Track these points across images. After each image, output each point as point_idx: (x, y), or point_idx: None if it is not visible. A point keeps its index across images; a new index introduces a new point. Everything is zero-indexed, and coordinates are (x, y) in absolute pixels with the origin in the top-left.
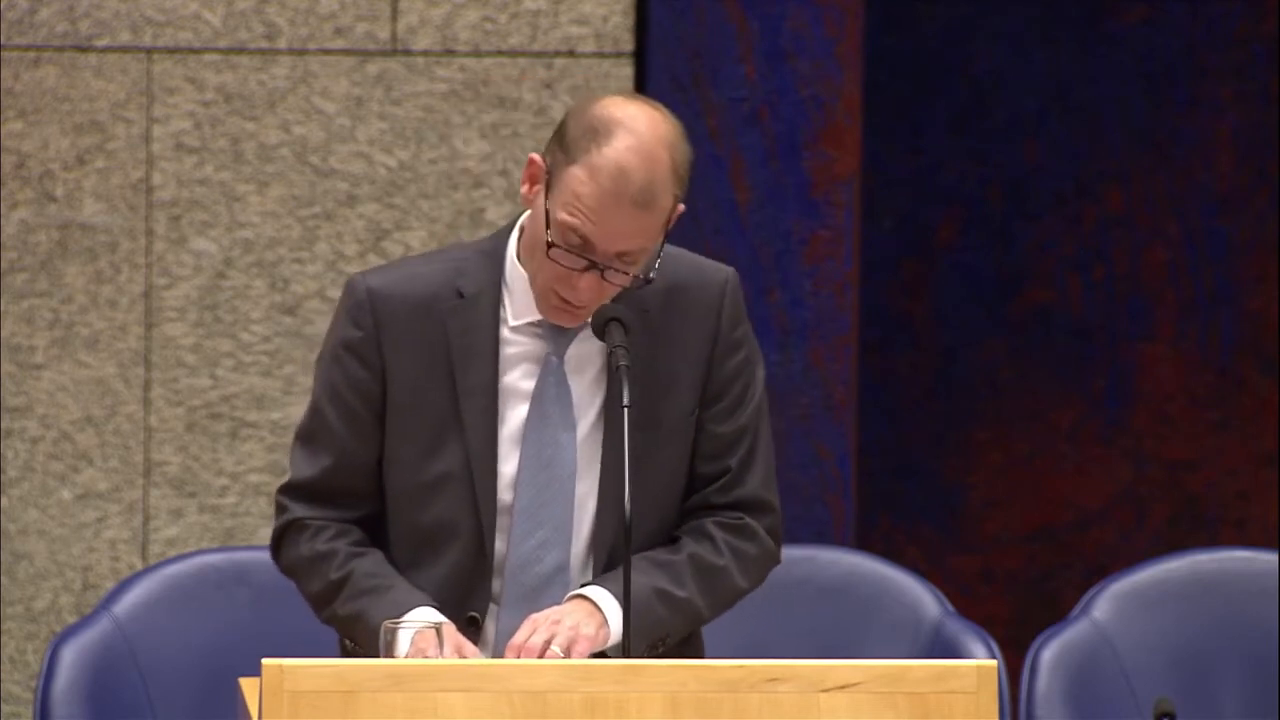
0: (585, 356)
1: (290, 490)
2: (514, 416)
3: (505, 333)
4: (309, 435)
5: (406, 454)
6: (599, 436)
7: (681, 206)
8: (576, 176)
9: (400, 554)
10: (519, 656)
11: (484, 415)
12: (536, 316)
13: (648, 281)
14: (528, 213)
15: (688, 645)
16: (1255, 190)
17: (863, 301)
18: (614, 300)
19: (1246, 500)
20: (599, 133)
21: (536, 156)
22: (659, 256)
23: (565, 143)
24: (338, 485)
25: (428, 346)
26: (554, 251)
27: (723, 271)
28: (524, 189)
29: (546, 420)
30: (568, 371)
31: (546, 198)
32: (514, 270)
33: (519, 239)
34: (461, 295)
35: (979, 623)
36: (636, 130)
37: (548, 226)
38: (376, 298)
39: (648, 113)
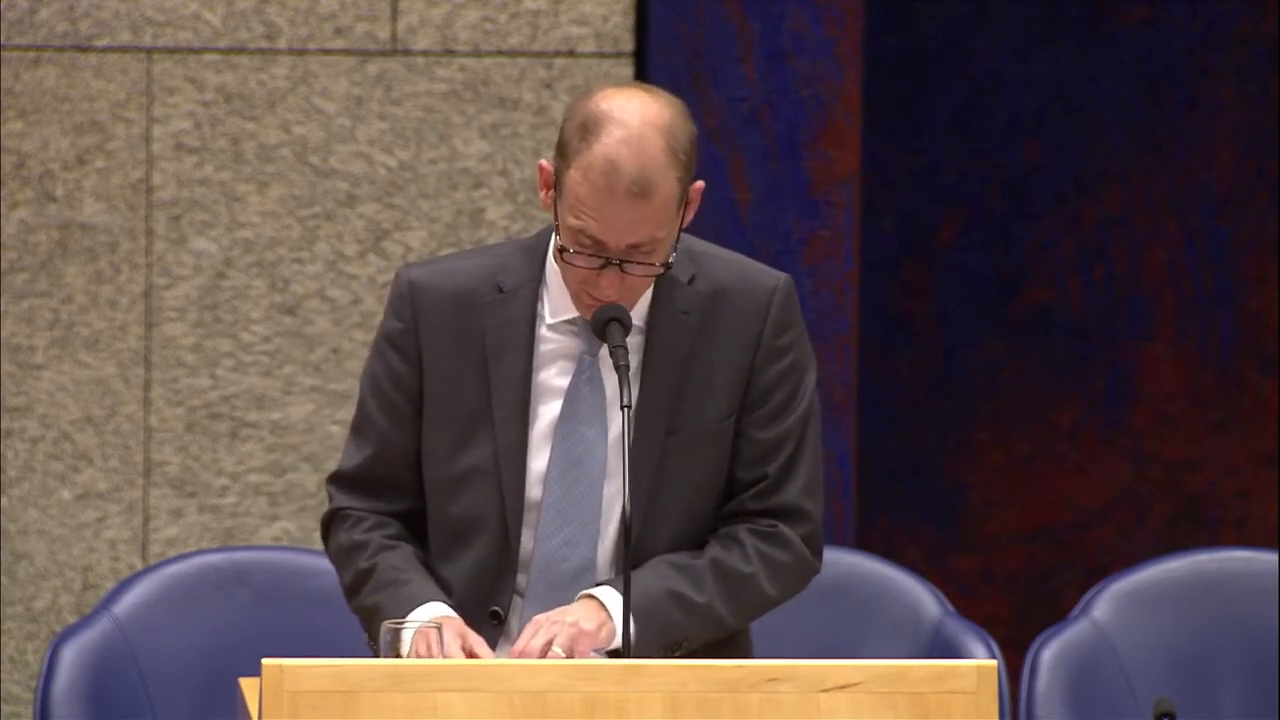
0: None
1: (336, 479)
2: (547, 413)
3: (542, 329)
4: (356, 426)
5: (440, 446)
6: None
7: (699, 184)
8: (574, 178)
9: (435, 546)
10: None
11: (515, 410)
12: (573, 314)
13: (667, 267)
14: None
15: (729, 650)
16: (1255, 190)
17: (863, 301)
18: (655, 299)
19: (1246, 500)
20: (589, 130)
21: (545, 163)
22: (676, 242)
23: (562, 145)
24: (380, 475)
25: (464, 340)
26: (568, 255)
27: (774, 277)
28: (541, 196)
29: (577, 418)
30: (602, 370)
31: (557, 203)
32: (553, 267)
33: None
34: (501, 290)
35: (979, 623)
36: (625, 120)
37: (559, 233)
38: (417, 289)
39: (639, 99)
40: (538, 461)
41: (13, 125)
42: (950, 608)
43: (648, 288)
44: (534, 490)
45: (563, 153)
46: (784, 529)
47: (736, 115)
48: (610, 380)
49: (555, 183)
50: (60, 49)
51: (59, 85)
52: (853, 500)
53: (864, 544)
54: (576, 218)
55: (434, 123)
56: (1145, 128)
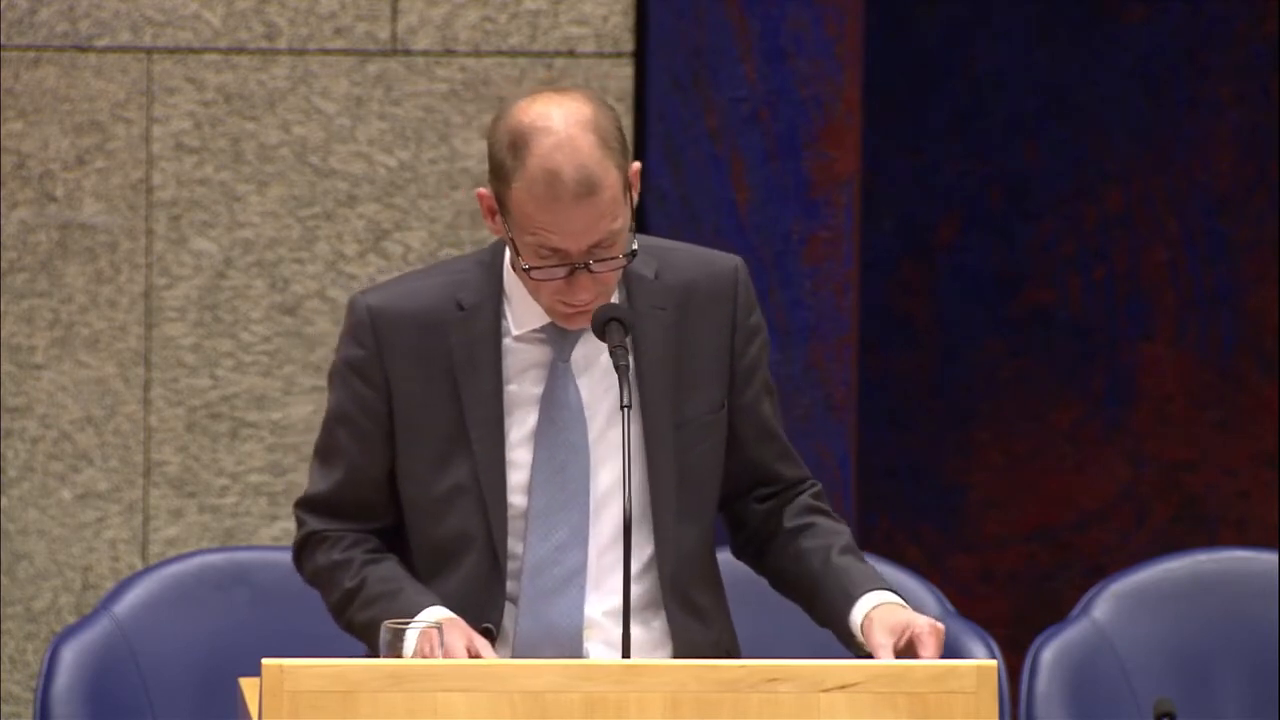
0: (591, 356)
1: (305, 504)
2: (523, 423)
3: (508, 342)
4: (323, 451)
5: (418, 468)
6: (616, 435)
7: (635, 165)
8: (518, 198)
9: (420, 566)
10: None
11: (489, 426)
12: (539, 324)
13: (633, 255)
14: None
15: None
16: (1255, 190)
17: (863, 301)
18: (629, 299)
19: (1246, 500)
20: (518, 146)
21: (483, 190)
22: (633, 229)
23: (497, 169)
24: (350, 499)
25: (430, 360)
26: (535, 274)
27: (730, 260)
28: (488, 224)
29: (557, 424)
30: (575, 373)
31: (507, 226)
32: (512, 280)
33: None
34: (462, 308)
35: (979, 623)
36: (550, 127)
37: (519, 253)
38: (377, 316)
39: (555, 102)
40: (517, 472)
41: (13, 125)
42: (950, 608)
43: (617, 280)
44: (516, 499)
45: (499, 175)
46: (821, 490)
47: (736, 115)
48: (585, 384)
49: (500, 206)
50: (60, 49)
51: (59, 85)
52: (853, 500)
53: (864, 544)
54: (533, 234)
55: (434, 123)
56: (1145, 128)
